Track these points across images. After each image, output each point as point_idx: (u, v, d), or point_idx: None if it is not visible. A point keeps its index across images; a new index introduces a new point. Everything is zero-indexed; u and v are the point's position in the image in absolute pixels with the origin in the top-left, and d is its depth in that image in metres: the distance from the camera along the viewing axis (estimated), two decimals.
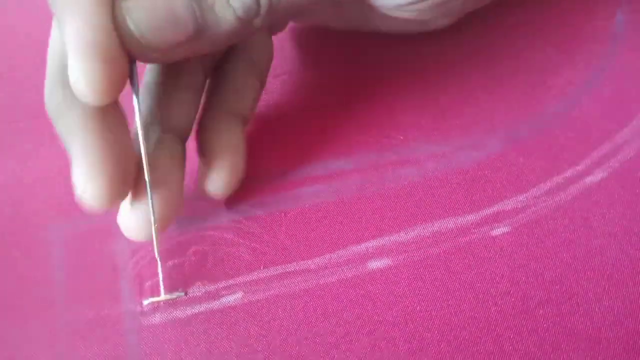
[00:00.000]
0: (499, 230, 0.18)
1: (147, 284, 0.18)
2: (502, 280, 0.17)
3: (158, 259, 0.17)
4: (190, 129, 0.19)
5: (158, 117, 0.18)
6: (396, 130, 0.21)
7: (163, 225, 0.17)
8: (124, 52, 0.14)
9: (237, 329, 0.17)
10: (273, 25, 0.21)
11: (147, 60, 0.16)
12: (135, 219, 0.16)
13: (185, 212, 0.19)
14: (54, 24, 0.17)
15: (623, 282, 0.17)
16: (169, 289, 0.18)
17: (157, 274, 0.17)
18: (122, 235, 0.17)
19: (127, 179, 0.16)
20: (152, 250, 0.17)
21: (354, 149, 0.20)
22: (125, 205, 0.17)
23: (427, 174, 0.20)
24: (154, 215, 0.16)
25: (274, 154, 0.20)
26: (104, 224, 0.19)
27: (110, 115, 0.16)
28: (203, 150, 0.18)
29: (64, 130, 0.16)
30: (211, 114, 0.19)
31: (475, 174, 0.20)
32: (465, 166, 0.20)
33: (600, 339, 0.16)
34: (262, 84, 0.20)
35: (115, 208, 0.17)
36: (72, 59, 0.14)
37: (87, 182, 0.15)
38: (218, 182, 0.18)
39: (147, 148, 0.16)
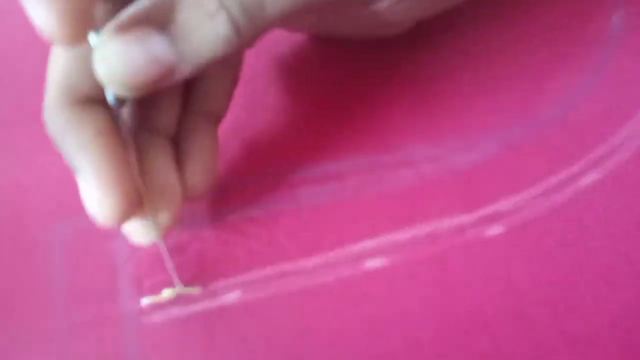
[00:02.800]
0: (494, 231, 0.19)
1: (147, 283, 0.18)
2: (498, 280, 0.18)
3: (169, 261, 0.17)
4: (174, 131, 0.18)
5: (141, 121, 0.18)
6: (392, 132, 0.21)
7: (167, 228, 0.17)
8: None
9: (235, 327, 0.17)
10: None
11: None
12: (142, 224, 0.17)
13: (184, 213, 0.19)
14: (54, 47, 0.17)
15: (620, 284, 0.17)
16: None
17: (157, 274, 0.17)
18: (121, 235, 0.18)
19: (138, 194, 0.16)
20: (152, 250, 0.17)
21: (351, 152, 0.21)
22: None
23: (422, 176, 0.20)
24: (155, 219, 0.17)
25: (272, 156, 0.21)
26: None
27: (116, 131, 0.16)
28: (179, 150, 0.18)
29: (72, 150, 0.15)
30: (183, 116, 0.19)
31: (471, 176, 0.20)
32: (461, 168, 0.20)
33: (597, 341, 0.16)
34: (235, 79, 0.20)
35: None
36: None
37: (101, 201, 0.15)
38: (192, 183, 0.18)
39: (139, 152, 0.17)
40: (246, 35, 0.15)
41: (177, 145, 0.18)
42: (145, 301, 0.17)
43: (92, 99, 0.16)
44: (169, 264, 0.17)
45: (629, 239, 0.18)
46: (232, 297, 0.18)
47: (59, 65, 0.16)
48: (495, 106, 0.21)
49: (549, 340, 0.16)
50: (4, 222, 0.20)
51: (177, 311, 0.18)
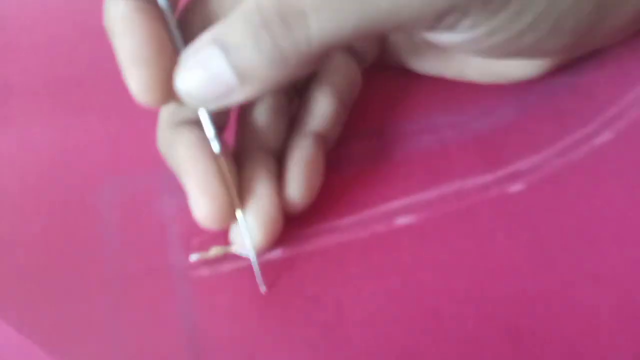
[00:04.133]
0: (515, 187, 0.20)
1: (195, 241, 0.19)
2: (521, 230, 0.19)
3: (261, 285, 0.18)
4: (281, 149, 0.20)
5: (250, 139, 0.20)
6: (415, 102, 0.22)
7: (267, 239, 0.18)
8: (161, 58, 0.16)
9: (278, 280, 0.18)
10: (359, 56, 0.22)
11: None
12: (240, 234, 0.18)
13: None
14: None
15: (635, 226, 0.18)
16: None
17: (203, 232, 0.18)
18: (168, 195, 0.19)
19: (228, 199, 0.17)
20: None
21: (377, 122, 0.22)
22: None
23: (445, 141, 0.21)
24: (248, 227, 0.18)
25: None
26: (150, 185, 0.21)
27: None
28: (282, 167, 0.19)
29: (173, 162, 0.18)
30: (292, 135, 0.20)
31: (490, 139, 0.21)
32: (481, 133, 0.21)
33: (617, 279, 0.17)
34: (345, 107, 0.21)
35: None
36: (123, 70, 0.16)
37: (199, 208, 0.17)
38: (290, 196, 0.19)
39: (243, 165, 0.19)
40: (292, 60, 0.15)
41: (283, 160, 0.19)
42: (194, 257, 0.19)
43: (189, 120, 0.18)
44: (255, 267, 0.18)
45: None
46: (273, 254, 0.19)
47: None
48: None
49: (571, 278, 0.17)
50: (57, 181, 0.21)
51: (223, 267, 0.19)
